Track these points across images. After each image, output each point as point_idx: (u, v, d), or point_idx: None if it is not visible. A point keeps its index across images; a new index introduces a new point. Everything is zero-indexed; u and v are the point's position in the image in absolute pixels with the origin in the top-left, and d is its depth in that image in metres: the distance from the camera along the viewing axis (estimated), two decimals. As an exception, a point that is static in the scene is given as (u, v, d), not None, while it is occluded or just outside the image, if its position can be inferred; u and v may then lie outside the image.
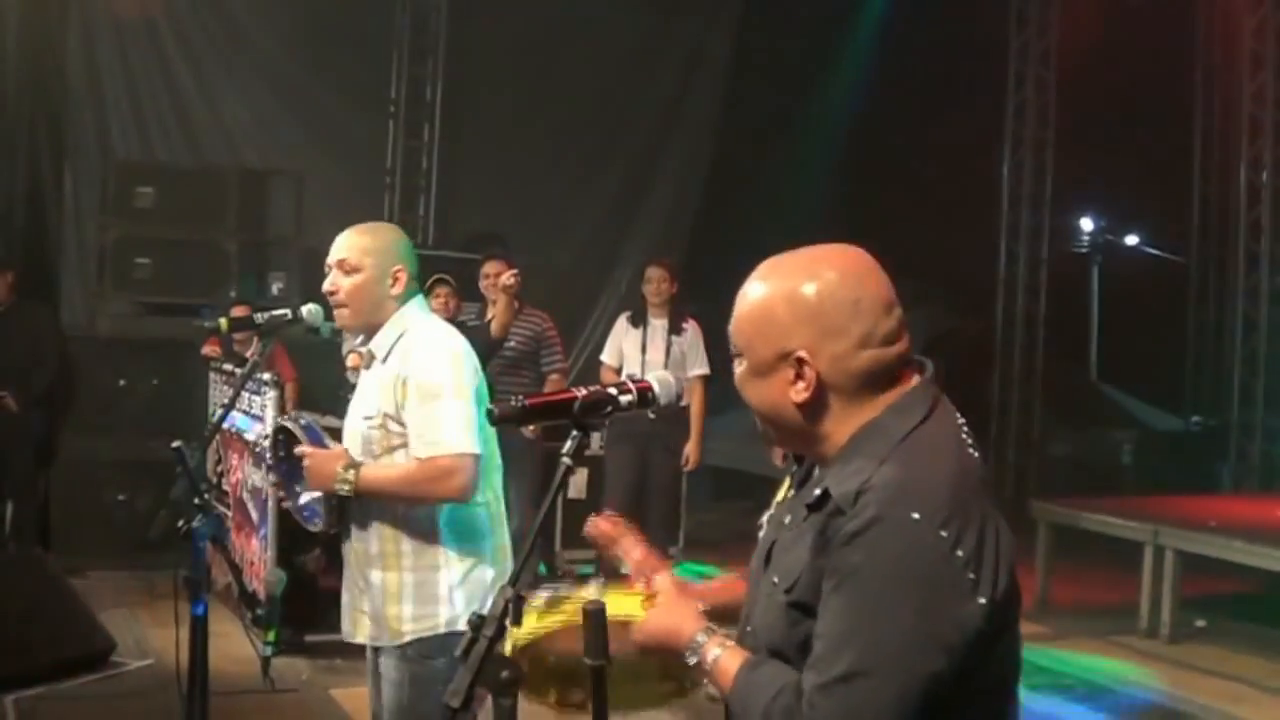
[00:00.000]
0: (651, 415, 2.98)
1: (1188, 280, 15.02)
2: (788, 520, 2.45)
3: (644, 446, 9.31)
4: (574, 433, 2.57)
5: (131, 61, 11.83)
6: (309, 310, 4.23)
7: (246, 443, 8.45)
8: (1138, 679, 8.29)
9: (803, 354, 2.32)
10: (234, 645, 5.77)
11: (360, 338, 4.35)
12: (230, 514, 8.69)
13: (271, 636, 6.30)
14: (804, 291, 2.35)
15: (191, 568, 3.82)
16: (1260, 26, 13.03)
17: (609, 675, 2.53)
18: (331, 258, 4.19)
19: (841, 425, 2.36)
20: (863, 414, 2.35)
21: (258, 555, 8.17)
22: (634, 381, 2.63)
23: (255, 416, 8.33)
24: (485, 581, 4.15)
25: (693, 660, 2.43)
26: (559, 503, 10.23)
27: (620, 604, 2.56)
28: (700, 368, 9.41)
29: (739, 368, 2.43)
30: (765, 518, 2.61)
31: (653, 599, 2.56)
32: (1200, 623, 9.33)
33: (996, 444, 14.77)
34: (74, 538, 9.56)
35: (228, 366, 9.15)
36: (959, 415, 2.42)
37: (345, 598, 4.34)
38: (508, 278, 8.40)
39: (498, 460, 4.28)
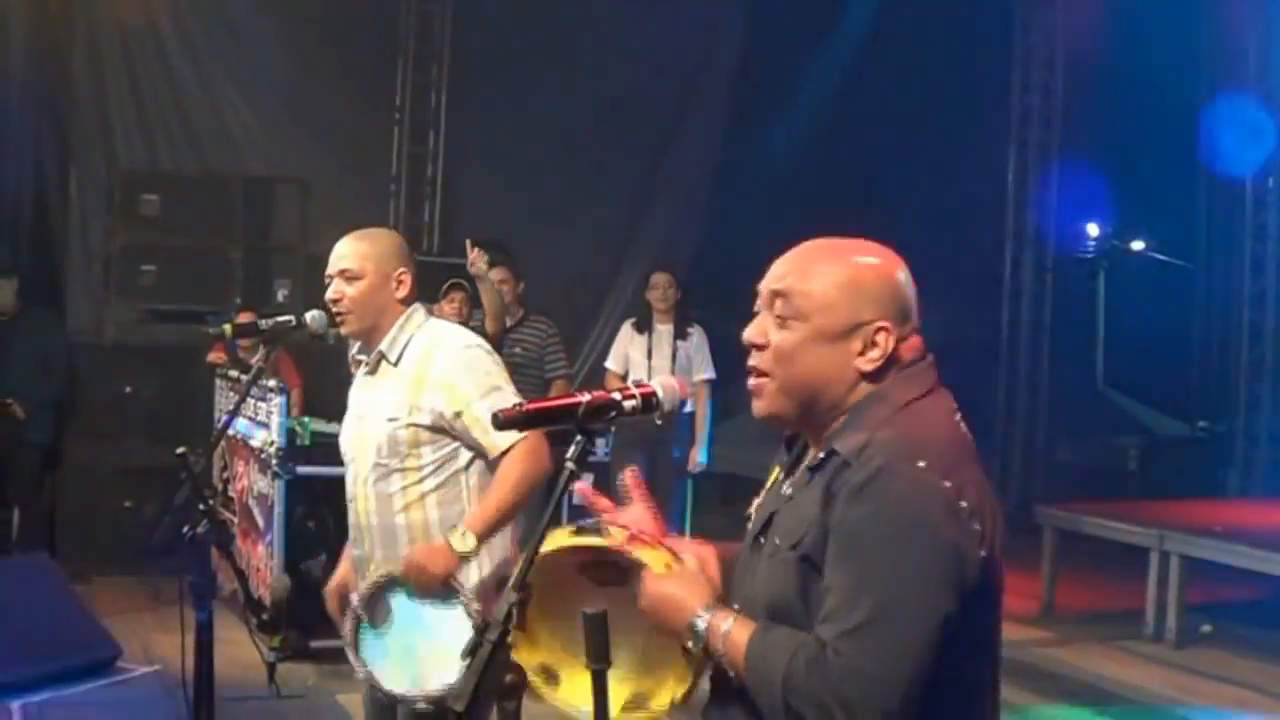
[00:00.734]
0: (658, 421, 2.98)
1: (1194, 286, 15.01)
2: (788, 491, 2.50)
3: (651, 452, 9.30)
4: (578, 438, 2.57)
5: (136, 70, 11.85)
6: (313, 316, 4.23)
7: (252, 449, 8.46)
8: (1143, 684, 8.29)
9: (886, 324, 2.43)
10: (240, 651, 5.78)
11: (357, 345, 4.35)
12: (236, 520, 8.69)
13: (277, 642, 6.32)
14: (890, 270, 2.52)
15: (196, 574, 3.83)
16: (1264, 32, 13.01)
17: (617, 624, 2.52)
18: (332, 268, 4.19)
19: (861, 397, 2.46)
20: (866, 389, 2.45)
21: (263, 561, 8.17)
22: (638, 386, 2.63)
23: (260, 423, 8.34)
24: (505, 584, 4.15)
25: (700, 627, 2.42)
26: (565, 508, 10.35)
27: (647, 556, 2.55)
28: (706, 372, 9.43)
29: (793, 333, 2.45)
30: (754, 506, 2.66)
31: (677, 562, 2.56)
32: (1206, 628, 9.31)
33: (1002, 450, 14.73)
34: (80, 544, 9.58)
35: (233, 373, 9.15)
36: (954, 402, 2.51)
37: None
38: (474, 259, 8.39)
39: None
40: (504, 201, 12.87)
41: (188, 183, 11.19)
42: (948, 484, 2.26)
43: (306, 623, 7.73)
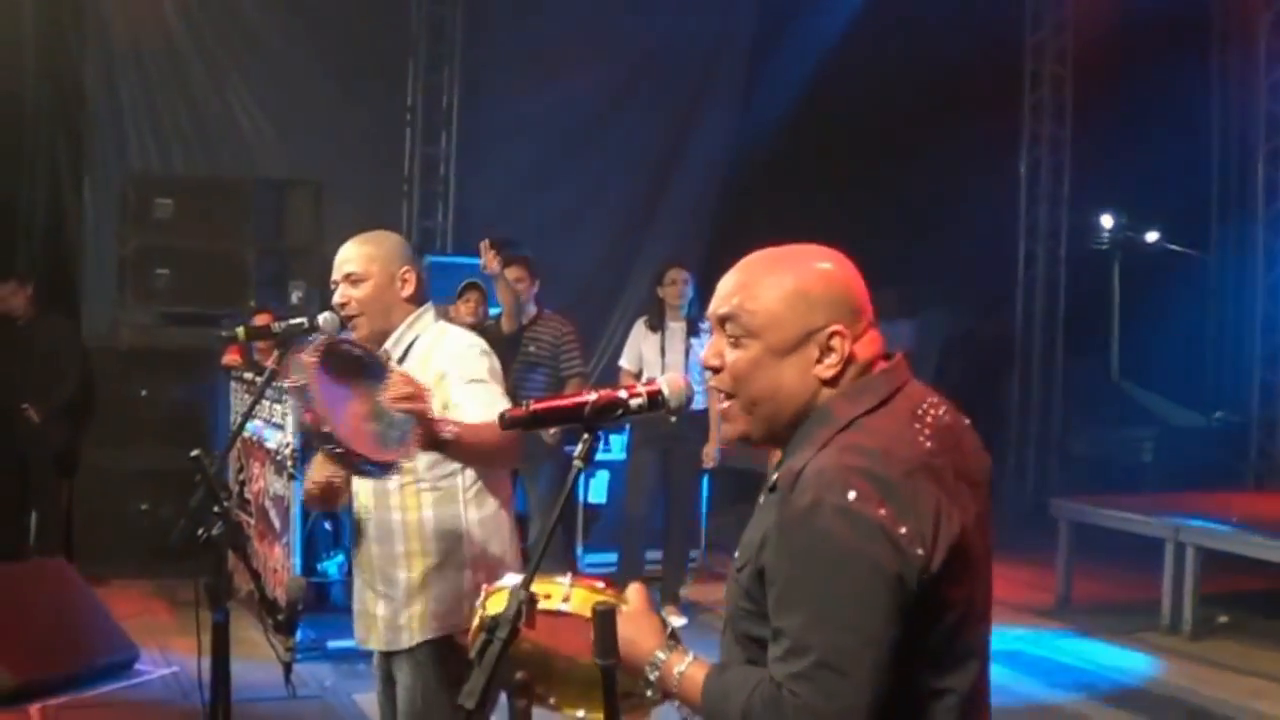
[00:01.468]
0: (673, 419, 3.00)
1: (1208, 277, 14.99)
2: (761, 501, 2.50)
3: (666, 450, 9.33)
4: (584, 435, 2.59)
5: (149, 73, 11.87)
6: (325, 318, 4.24)
7: (268, 451, 8.50)
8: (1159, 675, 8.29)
9: (838, 327, 2.40)
10: (256, 652, 5.79)
11: None
12: (252, 522, 8.73)
13: (292, 643, 6.35)
14: (835, 271, 2.46)
15: (212, 575, 3.84)
16: (1277, 21, 12.99)
17: (570, 674, 2.55)
18: (337, 273, 4.21)
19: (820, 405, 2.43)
20: (826, 396, 2.43)
21: (280, 563, 8.21)
22: (645, 384, 2.65)
23: (276, 425, 8.38)
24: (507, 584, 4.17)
25: (653, 675, 2.44)
26: (580, 507, 10.39)
27: (586, 601, 2.56)
28: (719, 369, 9.42)
29: (746, 351, 2.45)
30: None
31: (624, 602, 2.56)
32: (1222, 619, 9.32)
33: (1017, 443, 14.74)
34: (97, 547, 9.63)
35: (248, 375, 9.19)
36: (927, 404, 2.45)
37: (357, 605, 4.38)
38: (488, 260, 8.48)
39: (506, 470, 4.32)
40: (516, 201, 12.87)
41: (201, 186, 11.21)
42: (882, 512, 2.22)
43: (323, 623, 7.81)
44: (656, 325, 9.49)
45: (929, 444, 2.37)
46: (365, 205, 11.79)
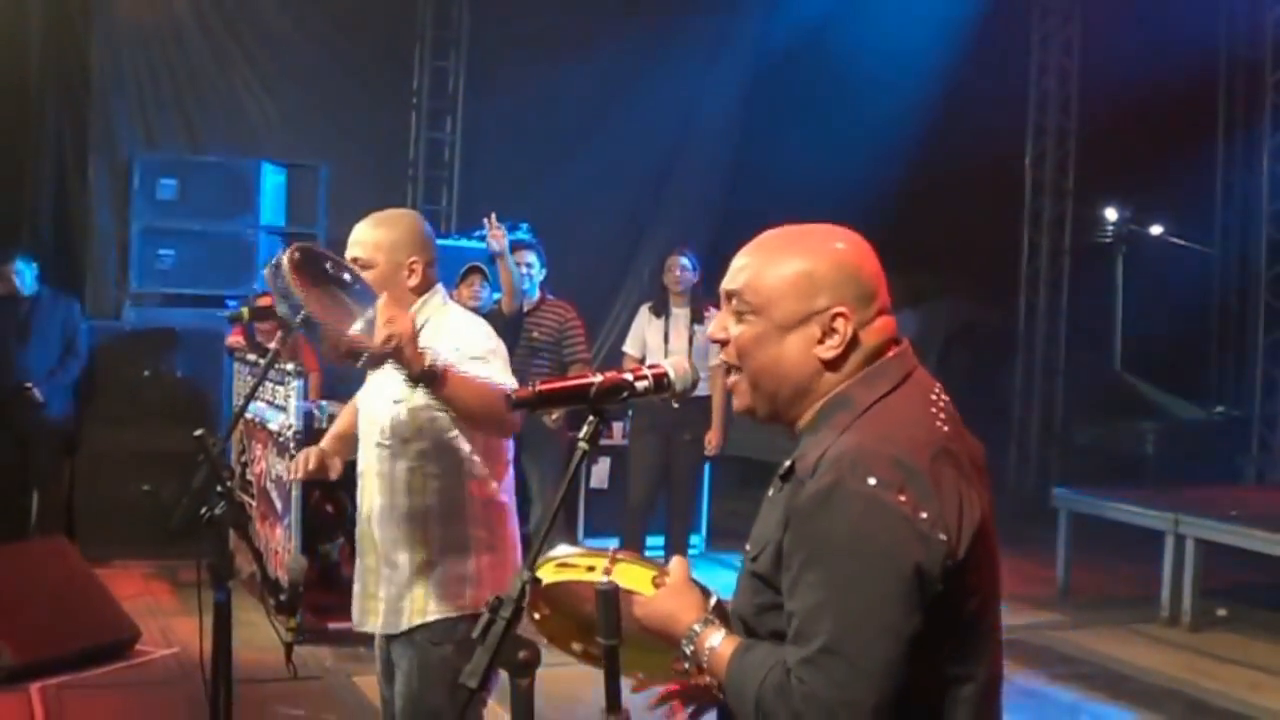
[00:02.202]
0: (675, 404, 3.00)
1: (1211, 270, 14.98)
2: (771, 493, 2.49)
3: (668, 435, 9.33)
4: (590, 418, 2.59)
5: (155, 55, 11.84)
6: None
7: (270, 432, 8.50)
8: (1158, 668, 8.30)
9: (843, 310, 2.40)
10: (258, 633, 5.81)
11: None
12: (254, 503, 8.74)
13: (294, 624, 6.35)
14: (847, 254, 2.47)
15: (214, 556, 3.84)
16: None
17: (626, 643, 2.55)
18: (347, 253, 4.20)
19: (831, 389, 2.43)
20: (842, 381, 2.43)
21: (281, 544, 8.21)
22: (650, 367, 2.66)
23: (278, 406, 8.39)
24: (509, 567, 4.18)
25: (689, 649, 2.43)
26: (581, 492, 10.40)
27: (631, 577, 2.58)
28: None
29: (750, 327, 2.46)
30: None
31: (663, 579, 2.57)
32: (1221, 612, 9.34)
33: (1019, 434, 14.76)
34: (99, 527, 9.63)
35: (251, 357, 9.19)
36: (936, 390, 2.47)
37: (357, 586, 4.37)
38: (494, 235, 8.51)
39: (509, 455, 4.32)
40: (521, 186, 12.83)
41: (206, 167, 11.19)
42: (902, 498, 2.20)
43: (324, 605, 7.81)
44: (660, 311, 9.49)
45: (945, 428, 2.38)
46: (370, 188, 11.76)
